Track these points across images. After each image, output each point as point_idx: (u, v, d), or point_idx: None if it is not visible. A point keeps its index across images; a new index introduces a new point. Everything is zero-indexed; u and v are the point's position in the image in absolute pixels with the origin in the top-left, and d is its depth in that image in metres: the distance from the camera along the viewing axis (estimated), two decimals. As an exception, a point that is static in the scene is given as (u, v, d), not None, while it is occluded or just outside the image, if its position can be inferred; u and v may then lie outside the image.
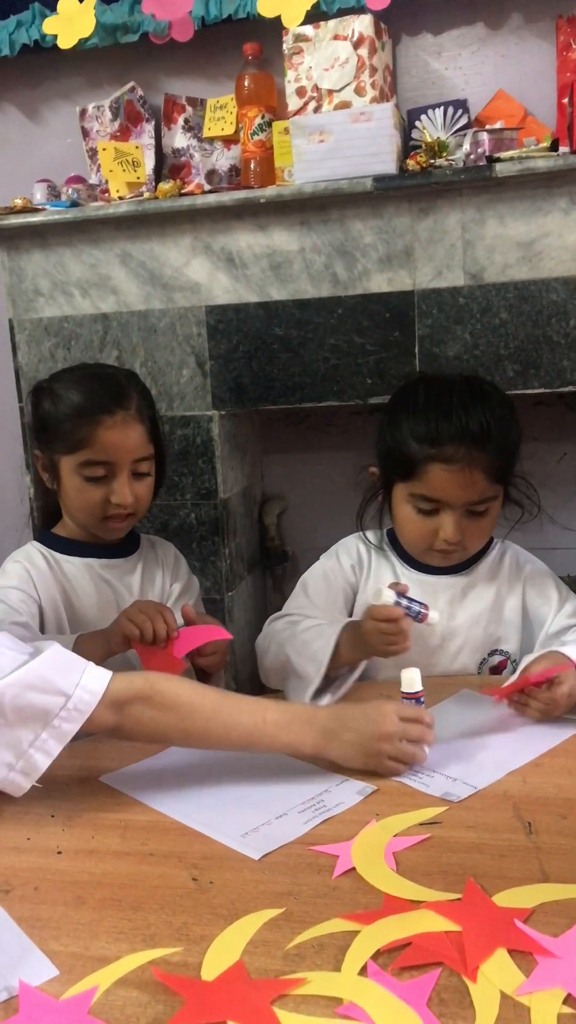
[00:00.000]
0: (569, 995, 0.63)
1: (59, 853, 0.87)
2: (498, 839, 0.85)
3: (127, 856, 0.86)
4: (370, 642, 1.12)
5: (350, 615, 1.32)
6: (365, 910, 0.74)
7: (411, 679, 1.03)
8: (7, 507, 2.33)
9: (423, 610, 1.11)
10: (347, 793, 0.94)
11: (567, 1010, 0.62)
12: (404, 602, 1.11)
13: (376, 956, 0.68)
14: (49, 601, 1.29)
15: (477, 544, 1.26)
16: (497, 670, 1.31)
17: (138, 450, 1.27)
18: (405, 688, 1.03)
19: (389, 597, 1.10)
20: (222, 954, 0.70)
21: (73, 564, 1.32)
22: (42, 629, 1.27)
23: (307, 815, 0.90)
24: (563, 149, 1.66)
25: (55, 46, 1.94)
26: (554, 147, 1.68)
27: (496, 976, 0.65)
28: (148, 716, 0.94)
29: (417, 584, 1.28)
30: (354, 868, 0.81)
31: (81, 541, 1.33)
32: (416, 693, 1.03)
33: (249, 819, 0.90)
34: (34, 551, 1.33)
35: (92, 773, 1.03)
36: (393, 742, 0.95)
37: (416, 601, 1.12)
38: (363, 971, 0.67)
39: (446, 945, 0.69)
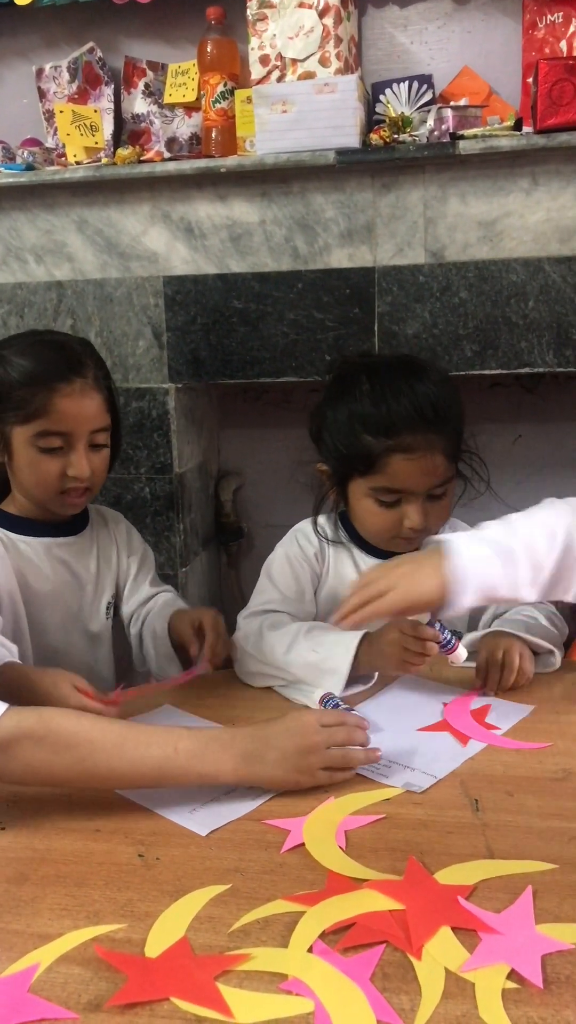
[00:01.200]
0: (512, 970, 0.64)
1: (2, 828, 0.86)
2: (445, 816, 0.85)
3: (72, 832, 0.85)
4: (388, 652, 1.08)
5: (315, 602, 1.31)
6: (310, 889, 0.74)
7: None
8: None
9: (455, 640, 1.08)
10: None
11: (511, 985, 0.63)
12: (437, 626, 1.07)
13: (322, 936, 0.68)
14: (5, 583, 1.22)
15: (439, 526, 1.25)
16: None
17: (96, 420, 1.22)
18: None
19: (424, 616, 1.06)
20: (166, 931, 0.70)
21: (28, 544, 1.26)
22: None
23: (257, 790, 0.90)
24: (526, 129, 1.65)
25: (12, 1, 1.87)
26: (517, 126, 1.67)
27: (440, 953, 0.66)
28: (39, 758, 0.84)
29: None
30: (303, 844, 0.81)
31: (32, 519, 1.27)
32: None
33: (197, 794, 0.89)
34: None
35: None
36: (320, 752, 0.89)
37: (450, 631, 1.09)
38: (310, 950, 0.67)
39: (390, 924, 0.69)
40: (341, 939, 0.68)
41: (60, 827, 0.86)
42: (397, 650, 1.08)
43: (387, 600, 0.95)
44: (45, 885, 0.77)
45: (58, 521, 1.29)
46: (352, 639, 1.11)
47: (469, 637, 1.18)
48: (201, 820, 0.85)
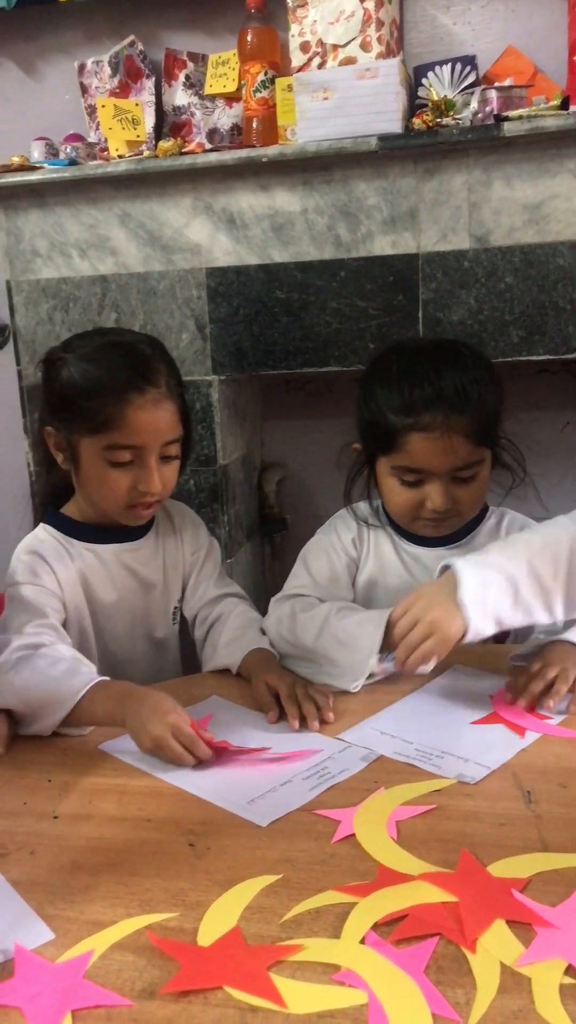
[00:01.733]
0: (570, 966, 0.62)
1: (55, 818, 0.86)
2: (497, 808, 0.84)
3: (124, 822, 0.85)
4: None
5: (353, 589, 1.30)
6: (361, 880, 0.74)
7: None
8: (8, 476, 2.32)
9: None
10: (351, 759, 0.94)
11: (568, 980, 0.61)
12: None
13: (374, 927, 0.68)
14: (72, 594, 1.20)
15: (471, 509, 1.24)
16: (498, 640, 1.29)
17: (169, 432, 1.15)
18: None
19: None
20: (218, 920, 0.70)
21: (92, 551, 1.22)
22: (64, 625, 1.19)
23: (312, 781, 0.90)
24: (573, 108, 1.62)
25: (53, -2, 1.89)
26: (564, 105, 1.64)
27: (495, 947, 0.65)
28: None
29: (415, 558, 1.27)
30: (354, 835, 0.80)
31: (96, 525, 1.22)
32: None
33: (254, 786, 0.89)
34: (47, 537, 1.22)
35: (90, 740, 1.02)
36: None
37: None
38: (362, 941, 0.66)
39: (444, 916, 0.68)
40: (394, 931, 0.67)
41: (112, 817, 0.86)
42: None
43: (429, 647, 1.00)
44: (98, 873, 0.77)
45: (122, 527, 1.24)
46: (382, 615, 1.09)
47: (532, 643, 1.15)
48: (260, 811, 0.84)
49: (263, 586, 2.28)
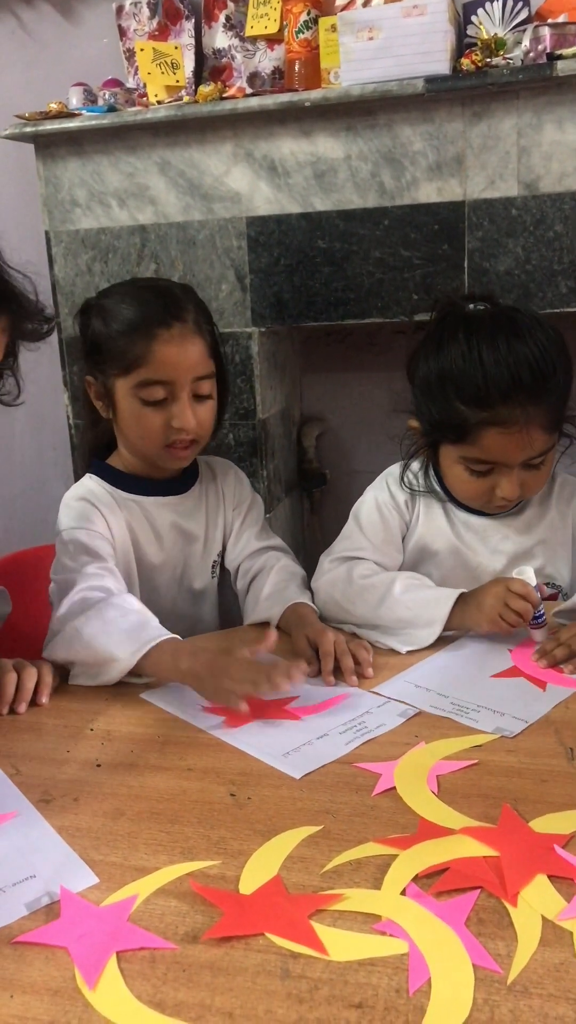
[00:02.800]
0: (611, 921, 0.62)
1: (98, 766, 0.88)
2: (539, 764, 0.84)
3: (166, 771, 0.86)
4: (489, 604, 1.05)
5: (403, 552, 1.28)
6: (402, 833, 0.74)
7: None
8: (49, 431, 2.33)
9: (544, 619, 1.07)
10: (389, 715, 0.94)
11: (609, 936, 0.61)
12: (538, 597, 1.07)
13: (415, 879, 0.68)
14: (120, 542, 1.21)
15: (535, 492, 1.20)
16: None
17: (198, 367, 1.16)
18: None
19: (531, 579, 1.05)
20: (260, 869, 0.70)
21: (137, 502, 1.24)
22: None
23: (348, 736, 0.90)
24: (631, 45, 1.55)
25: None
26: (621, 43, 1.57)
27: (537, 901, 0.65)
28: None
29: (467, 525, 1.25)
30: (394, 788, 0.80)
31: (141, 475, 1.24)
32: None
33: (291, 739, 0.89)
34: (95, 486, 1.24)
35: (132, 689, 1.03)
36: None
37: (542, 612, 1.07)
38: (403, 892, 0.67)
39: (485, 870, 0.68)
40: (435, 883, 0.67)
41: (153, 765, 0.87)
42: (499, 604, 1.05)
43: None
44: (140, 821, 0.78)
45: (167, 478, 1.26)
46: (448, 597, 1.09)
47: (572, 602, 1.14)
48: (295, 763, 0.85)
49: (302, 541, 2.27)
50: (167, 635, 1.02)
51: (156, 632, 1.03)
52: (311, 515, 2.30)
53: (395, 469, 1.30)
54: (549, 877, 0.67)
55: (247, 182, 1.80)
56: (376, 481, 1.31)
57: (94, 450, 1.30)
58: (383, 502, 1.27)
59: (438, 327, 1.18)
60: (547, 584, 1.27)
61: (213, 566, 1.32)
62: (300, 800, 0.80)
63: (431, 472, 1.27)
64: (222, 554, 1.33)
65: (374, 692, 1.00)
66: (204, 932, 0.64)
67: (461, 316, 1.17)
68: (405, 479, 1.27)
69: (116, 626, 1.03)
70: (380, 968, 0.60)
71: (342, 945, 0.62)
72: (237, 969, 0.60)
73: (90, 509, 1.20)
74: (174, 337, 1.14)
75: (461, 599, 1.09)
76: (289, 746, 0.88)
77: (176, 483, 1.28)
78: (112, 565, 1.16)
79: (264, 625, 1.19)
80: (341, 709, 0.95)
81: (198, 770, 0.86)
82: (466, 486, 1.18)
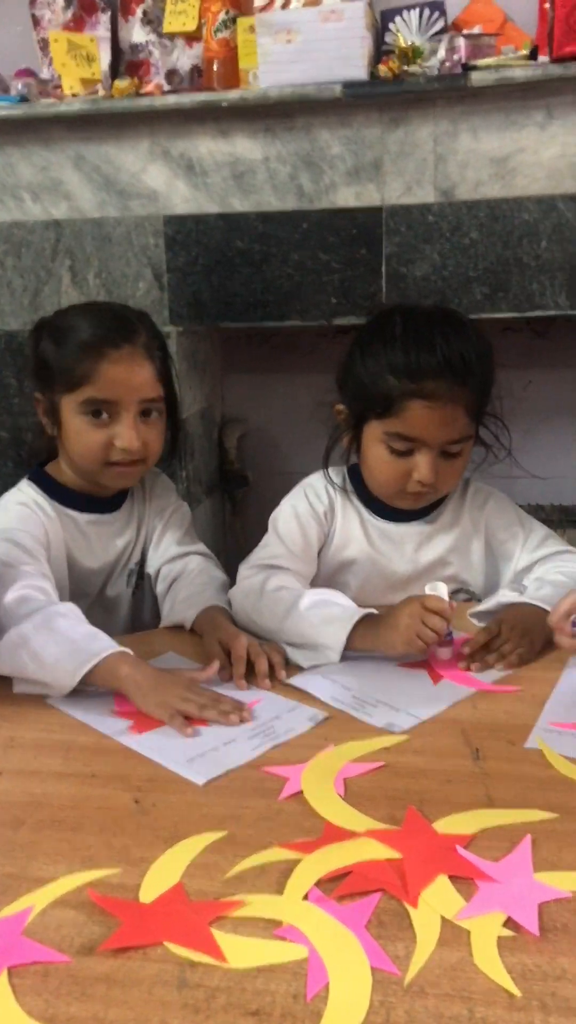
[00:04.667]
0: (508, 918, 0.63)
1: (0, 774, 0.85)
2: (445, 765, 0.84)
3: (69, 777, 0.84)
4: (404, 624, 1.02)
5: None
6: (307, 837, 0.73)
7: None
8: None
9: (452, 638, 1.06)
10: (298, 720, 0.93)
11: (506, 933, 0.62)
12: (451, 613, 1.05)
13: (318, 883, 0.67)
14: (55, 552, 1.19)
15: (449, 486, 1.21)
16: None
17: (145, 389, 1.16)
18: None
19: (444, 594, 1.04)
20: (161, 876, 0.69)
21: (70, 517, 1.23)
22: None
23: (256, 740, 0.89)
24: (542, 58, 1.59)
25: None
26: (533, 55, 1.60)
27: (437, 901, 0.65)
28: None
29: (382, 533, 1.25)
30: (301, 792, 0.80)
31: (77, 491, 1.23)
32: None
33: (198, 744, 0.88)
34: (34, 493, 1.22)
35: (36, 695, 1.00)
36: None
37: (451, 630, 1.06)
38: (305, 897, 0.66)
39: (387, 872, 0.68)
40: (337, 887, 0.67)
41: (57, 772, 0.85)
42: (415, 623, 1.02)
43: None
44: (41, 830, 0.76)
45: (103, 495, 1.25)
46: (350, 618, 1.06)
47: (496, 599, 1.15)
48: (199, 768, 0.84)
49: (223, 544, 2.26)
50: (115, 648, 0.99)
51: (105, 644, 1.00)
52: (233, 517, 2.29)
53: (314, 480, 1.30)
54: (450, 877, 0.67)
55: (164, 180, 1.78)
56: (294, 491, 1.30)
57: (35, 459, 1.29)
58: (301, 511, 1.26)
59: (375, 321, 1.22)
60: (461, 591, 1.28)
61: (129, 574, 1.30)
62: (206, 806, 0.79)
63: (347, 477, 1.27)
64: (141, 562, 1.32)
65: (283, 682, 1.01)
66: (101, 943, 0.62)
67: (400, 308, 1.22)
68: (329, 475, 1.27)
69: (66, 638, 1.00)
70: (279, 974, 0.59)
71: (241, 952, 0.61)
72: (133, 980, 0.59)
73: (30, 514, 1.19)
74: (123, 358, 1.15)
75: (372, 621, 1.07)
76: (195, 752, 0.87)
77: (108, 502, 1.27)
78: (47, 570, 1.15)
79: (178, 628, 1.18)
80: (250, 714, 0.95)
81: (103, 776, 0.84)
82: (385, 467, 1.18)
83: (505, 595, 1.14)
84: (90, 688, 0.98)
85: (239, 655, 1.04)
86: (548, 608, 1.08)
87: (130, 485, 1.27)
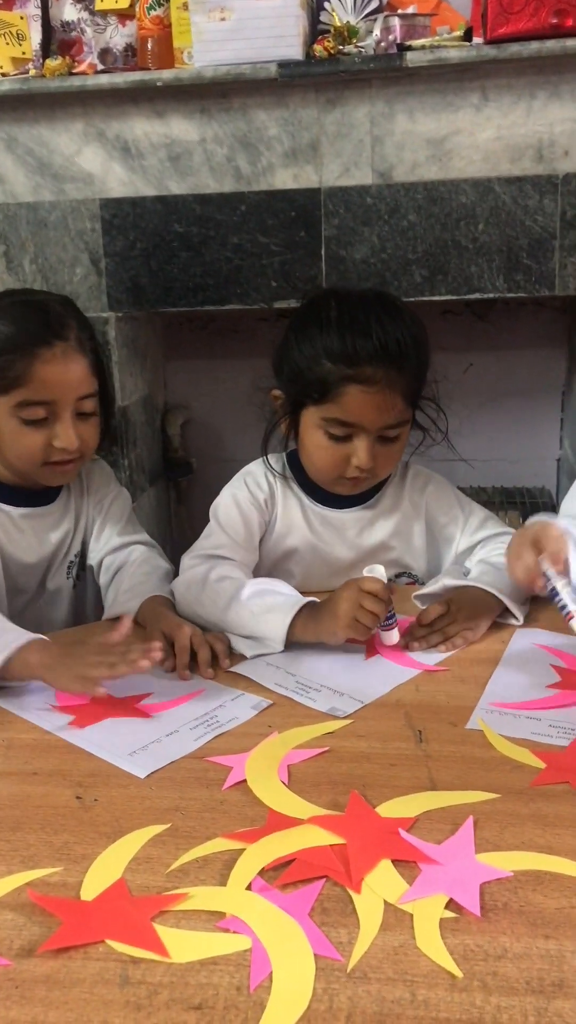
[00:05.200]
0: (451, 900, 0.64)
1: None
2: (389, 748, 0.85)
3: (9, 776, 0.83)
4: (343, 610, 1.01)
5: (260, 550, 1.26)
6: (251, 826, 0.73)
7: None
8: None
9: (395, 621, 1.05)
10: (242, 708, 0.93)
11: (449, 914, 0.62)
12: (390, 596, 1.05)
13: (261, 873, 0.67)
14: None
15: (387, 470, 1.22)
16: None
17: (81, 386, 1.14)
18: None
19: (383, 576, 1.03)
20: (103, 873, 0.68)
21: (6, 512, 1.21)
22: None
23: (199, 731, 0.88)
24: (477, 39, 1.58)
25: None
26: (467, 36, 1.60)
27: (379, 886, 0.65)
28: None
29: (323, 520, 1.25)
30: (245, 781, 0.80)
31: (9, 485, 1.21)
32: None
33: (140, 737, 0.87)
34: None
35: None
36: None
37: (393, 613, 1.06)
38: (248, 887, 0.66)
39: (331, 859, 0.68)
40: (280, 875, 0.67)
41: (-4, 771, 0.84)
42: (353, 607, 1.02)
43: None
44: (-21, 831, 0.75)
45: (38, 488, 1.22)
46: (292, 607, 1.06)
47: (440, 582, 1.15)
48: (141, 762, 0.83)
49: (169, 532, 2.24)
50: (28, 637, 0.97)
51: (11, 639, 0.97)
52: (178, 505, 2.27)
53: (254, 467, 1.29)
54: (393, 861, 0.68)
55: (100, 163, 1.74)
56: (234, 479, 1.29)
57: None
58: (242, 500, 1.25)
59: (309, 304, 1.22)
60: (404, 574, 1.29)
61: (69, 567, 1.28)
62: (149, 799, 0.78)
63: (287, 464, 1.26)
64: (82, 553, 1.29)
65: (228, 671, 1.01)
66: (41, 944, 0.61)
67: (334, 293, 1.21)
68: (269, 462, 1.26)
69: None
70: (222, 967, 0.59)
71: (184, 946, 0.60)
72: (74, 980, 0.58)
73: None
74: (56, 357, 1.11)
75: (313, 609, 1.06)
76: (137, 745, 0.86)
77: (43, 494, 1.24)
78: None
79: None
80: (193, 704, 0.94)
81: (43, 773, 0.83)
82: (323, 453, 1.17)
83: (449, 578, 1.15)
84: (14, 684, 0.97)
85: (182, 645, 1.03)
86: (495, 592, 1.10)
87: (69, 480, 1.25)
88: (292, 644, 1.05)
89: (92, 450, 1.20)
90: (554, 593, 0.94)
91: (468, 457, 1.90)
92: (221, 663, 1.02)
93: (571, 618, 0.92)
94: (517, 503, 2.09)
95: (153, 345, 2.10)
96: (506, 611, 1.11)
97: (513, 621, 1.11)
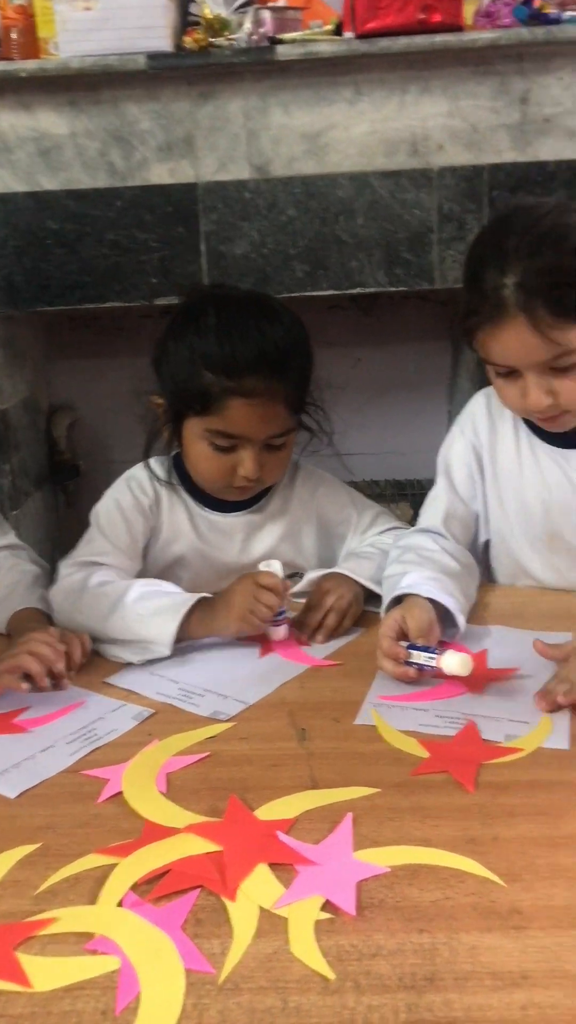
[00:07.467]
0: (327, 901, 0.62)
1: None
2: (271, 749, 0.83)
3: None
4: (238, 601, 1.01)
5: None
6: (126, 839, 0.70)
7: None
8: None
9: (285, 616, 1.04)
10: (122, 719, 0.89)
11: (324, 915, 0.61)
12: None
13: (134, 887, 0.65)
14: None
15: (275, 477, 1.19)
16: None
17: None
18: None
19: (279, 571, 1.03)
20: (-35, 902, 0.64)
21: None
22: None
23: (76, 745, 0.85)
24: (348, 34, 1.59)
25: None
26: (338, 31, 1.60)
27: (255, 892, 0.63)
28: None
29: (212, 525, 1.22)
30: (121, 792, 0.77)
31: None
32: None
33: (12, 754, 0.83)
34: None
35: None
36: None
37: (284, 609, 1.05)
38: (120, 903, 0.63)
39: (207, 867, 0.66)
40: (153, 888, 0.64)
41: None
42: (247, 600, 1.01)
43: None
44: None
45: None
46: (183, 604, 1.03)
47: (306, 578, 1.14)
48: (12, 781, 0.79)
49: (58, 537, 2.18)
50: None
51: None
52: (66, 509, 2.21)
53: (137, 471, 1.24)
54: (270, 865, 0.66)
55: (-35, 156, 1.68)
56: (117, 483, 1.24)
57: None
58: (126, 505, 1.20)
59: (185, 308, 1.17)
60: (296, 575, 1.27)
61: None
62: (18, 818, 0.74)
63: (173, 467, 1.23)
64: None
65: (105, 682, 0.97)
66: None
67: (211, 296, 1.18)
68: (152, 468, 1.23)
69: None
70: (88, 991, 0.56)
71: (47, 973, 0.57)
72: None
73: None
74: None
75: (207, 605, 1.05)
76: (8, 763, 0.82)
77: None
78: None
79: None
80: (72, 717, 0.90)
81: None
82: (208, 464, 1.14)
83: (312, 572, 1.15)
84: None
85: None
86: (355, 577, 1.11)
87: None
88: (182, 646, 1.03)
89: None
90: (413, 663, 0.94)
91: (359, 451, 1.92)
92: (73, 666, 0.98)
93: (437, 663, 0.92)
94: (408, 495, 2.11)
95: (33, 345, 2.04)
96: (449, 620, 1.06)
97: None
